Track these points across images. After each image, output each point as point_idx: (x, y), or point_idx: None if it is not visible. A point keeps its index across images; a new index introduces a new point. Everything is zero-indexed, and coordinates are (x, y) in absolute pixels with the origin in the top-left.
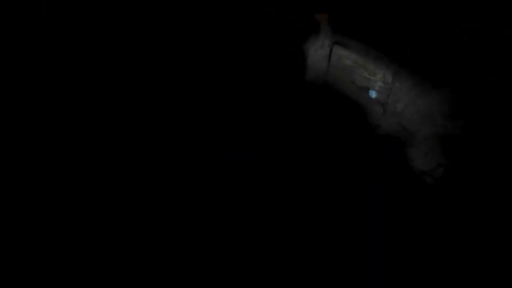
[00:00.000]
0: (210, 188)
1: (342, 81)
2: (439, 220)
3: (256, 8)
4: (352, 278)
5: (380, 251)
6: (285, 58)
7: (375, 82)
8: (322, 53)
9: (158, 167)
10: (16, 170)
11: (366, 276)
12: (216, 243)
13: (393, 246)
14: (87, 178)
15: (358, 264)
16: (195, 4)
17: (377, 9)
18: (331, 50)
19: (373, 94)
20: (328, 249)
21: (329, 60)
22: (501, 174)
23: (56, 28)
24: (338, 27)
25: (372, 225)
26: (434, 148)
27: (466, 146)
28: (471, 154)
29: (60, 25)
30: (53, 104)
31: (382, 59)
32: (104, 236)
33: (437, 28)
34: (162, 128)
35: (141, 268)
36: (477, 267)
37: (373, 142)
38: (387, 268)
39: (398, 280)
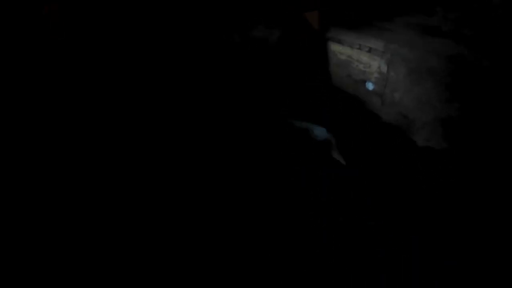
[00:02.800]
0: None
1: (338, 76)
2: (444, 207)
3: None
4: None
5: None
6: (283, 58)
7: (371, 74)
8: (317, 50)
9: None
10: (16, 170)
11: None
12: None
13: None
14: (96, 177)
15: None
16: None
17: (366, 3)
18: (325, 47)
19: (370, 86)
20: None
21: (324, 57)
22: (501, 154)
23: (57, 28)
24: (330, 23)
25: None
26: (435, 133)
27: (466, 128)
28: (471, 136)
29: (61, 26)
30: (53, 104)
31: (376, 50)
32: (110, 236)
33: (426, 14)
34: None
35: (150, 268)
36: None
37: (374, 133)
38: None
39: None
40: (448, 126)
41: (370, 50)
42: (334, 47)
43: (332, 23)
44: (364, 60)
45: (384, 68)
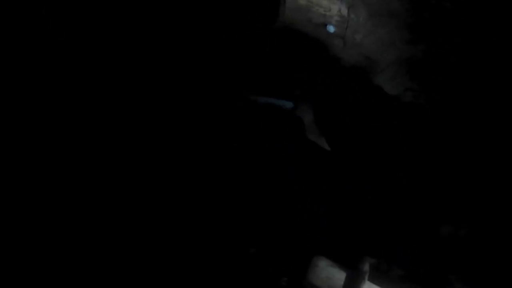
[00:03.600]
0: None
1: (299, 21)
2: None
3: None
4: None
5: None
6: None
7: (331, 17)
8: None
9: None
10: (16, 170)
11: None
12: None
13: None
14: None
15: None
16: None
17: None
18: None
19: (331, 28)
20: None
21: (284, 3)
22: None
23: (57, 28)
24: None
25: None
26: (400, 72)
27: (430, 68)
28: (436, 76)
29: (61, 26)
30: (52, 104)
31: None
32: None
33: None
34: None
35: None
36: None
37: (337, 74)
38: None
39: None
40: (412, 65)
41: None
42: None
43: None
44: (324, 4)
45: (344, 11)
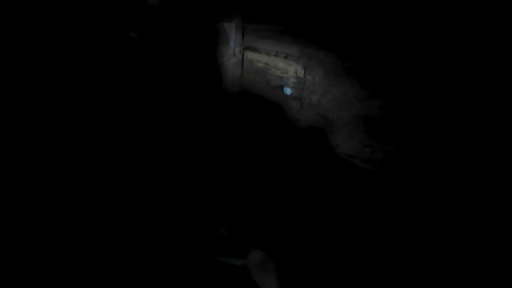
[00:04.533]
0: None
1: (256, 83)
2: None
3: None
4: None
5: None
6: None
7: (288, 79)
8: (234, 60)
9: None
10: (16, 169)
11: None
12: None
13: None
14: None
15: None
16: None
17: (281, 10)
18: (242, 56)
19: (287, 90)
20: None
21: (242, 66)
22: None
23: (57, 28)
24: (245, 32)
25: None
26: (357, 130)
27: (387, 123)
28: (393, 131)
29: (61, 26)
30: (52, 104)
31: (292, 56)
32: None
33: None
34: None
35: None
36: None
37: (294, 136)
38: None
39: None
40: (368, 122)
41: (286, 56)
42: (251, 55)
43: (249, 31)
44: (280, 66)
45: (301, 72)
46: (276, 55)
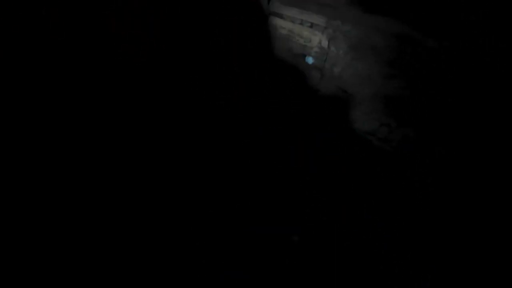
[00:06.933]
0: None
1: (279, 50)
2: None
3: None
4: None
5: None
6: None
7: (311, 49)
8: (259, 25)
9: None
10: (16, 169)
11: None
12: None
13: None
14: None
15: None
16: None
17: None
18: (267, 21)
19: (310, 60)
20: None
21: (266, 31)
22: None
23: (57, 28)
24: None
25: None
26: (375, 108)
27: (408, 105)
28: (414, 114)
29: (61, 26)
30: (52, 104)
31: (317, 26)
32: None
33: None
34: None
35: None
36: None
37: (313, 106)
38: None
39: None
40: (388, 101)
41: (311, 25)
42: (275, 21)
43: None
44: (304, 34)
45: (325, 43)
46: (301, 23)
